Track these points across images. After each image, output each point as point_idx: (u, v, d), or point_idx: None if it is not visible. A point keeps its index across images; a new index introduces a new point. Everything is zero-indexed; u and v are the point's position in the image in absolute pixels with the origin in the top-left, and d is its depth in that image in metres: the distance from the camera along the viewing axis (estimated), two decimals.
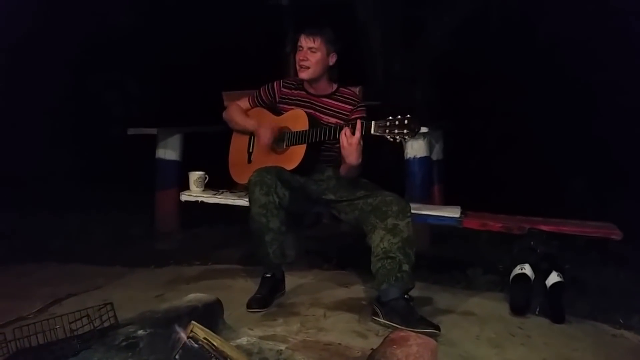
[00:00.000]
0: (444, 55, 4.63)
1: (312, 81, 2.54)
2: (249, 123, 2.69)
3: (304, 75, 2.51)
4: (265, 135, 2.56)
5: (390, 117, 2.12)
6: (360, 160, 2.24)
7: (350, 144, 2.20)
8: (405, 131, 2.09)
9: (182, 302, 1.94)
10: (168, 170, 3.72)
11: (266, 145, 2.57)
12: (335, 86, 2.58)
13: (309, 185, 2.51)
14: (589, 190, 4.17)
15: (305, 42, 2.49)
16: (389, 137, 2.12)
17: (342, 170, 2.41)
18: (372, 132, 2.17)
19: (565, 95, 4.70)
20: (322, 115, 2.54)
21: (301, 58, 2.49)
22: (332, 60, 2.52)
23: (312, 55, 2.47)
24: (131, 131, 3.67)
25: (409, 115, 2.09)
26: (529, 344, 2.08)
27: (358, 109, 2.53)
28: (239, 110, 2.74)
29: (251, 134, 2.73)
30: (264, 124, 2.59)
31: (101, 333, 1.64)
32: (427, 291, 2.61)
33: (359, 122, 2.20)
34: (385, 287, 2.21)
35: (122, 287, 2.74)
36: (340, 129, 2.27)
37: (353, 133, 2.19)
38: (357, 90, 2.69)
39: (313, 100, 2.57)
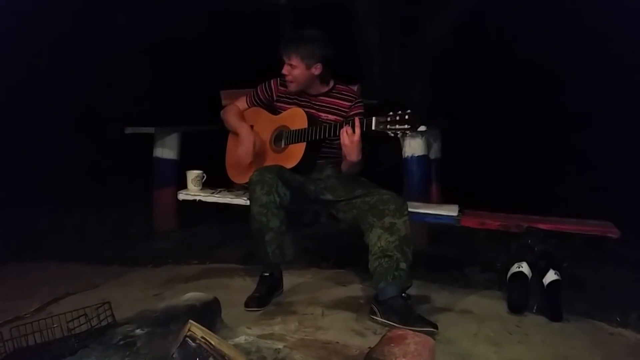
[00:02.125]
0: (441, 54, 4.63)
1: (302, 90, 2.54)
2: (238, 126, 2.65)
3: (291, 88, 2.52)
4: (246, 144, 2.55)
5: (391, 113, 2.12)
6: (360, 156, 2.24)
7: (351, 142, 2.20)
8: (406, 126, 2.09)
9: (180, 301, 1.94)
10: (166, 169, 3.71)
11: (243, 157, 2.56)
12: (331, 84, 2.57)
13: (307, 184, 2.51)
14: (587, 188, 4.18)
15: (283, 57, 2.48)
16: (390, 132, 2.12)
17: (344, 167, 2.42)
18: (372, 128, 2.17)
19: (564, 93, 4.71)
20: (320, 113, 2.53)
21: (284, 72, 2.49)
22: (317, 71, 2.47)
23: (292, 70, 2.47)
24: (129, 130, 3.66)
25: (409, 111, 2.09)
26: (526, 342, 2.09)
27: (356, 105, 2.53)
28: (234, 112, 2.72)
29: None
30: (249, 135, 2.57)
31: (99, 332, 1.65)
32: (424, 290, 2.62)
33: (357, 120, 2.20)
34: (383, 285, 2.21)
35: (120, 286, 2.73)
36: (340, 127, 2.27)
37: (354, 131, 2.19)
38: (355, 88, 2.69)
39: (311, 99, 2.57)
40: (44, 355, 1.54)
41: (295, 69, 2.45)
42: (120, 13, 5.38)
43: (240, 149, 2.57)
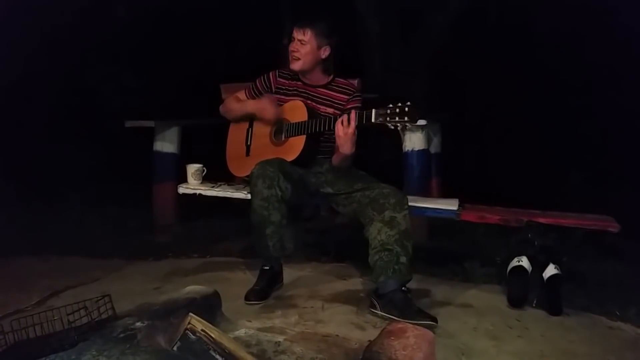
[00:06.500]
0: (442, 48, 4.61)
1: (304, 72, 2.54)
2: (248, 105, 2.68)
3: (294, 66, 2.52)
4: (269, 108, 2.55)
5: (391, 105, 2.12)
6: (353, 150, 2.26)
7: (345, 133, 2.21)
8: (405, 118, 2.09)
9: (180, 294, 1.94)
10: (166, 163, 3.70)
11: (273, 118, 2.55)
12: (331, 77, 2.58)
13: (307, 177, 2.51)
14: (587, 183, 4.17)
15: (296, 33, 2.49)
16: (389, 125, 2.12)
17: (335, 159, 2.44)
18: (372, 120, 2.17)
19: (564, 87, 4.69)
20: (318, 105, 2.53)
21: (292, 49, 2.50)
22: (325, 53, 2.50)
23: (302, 47, 2.47)
24: (129, 124, 3.66)
25: (409, 103, 2.09)
26: (526, 336, 2.09)
27: (354, 98, 2.53)
28: (236, 100, 2.74)
29: (249, 127, 2.72)
30: (261, 100, 2.60)
31: (99, 325, 1.64)
32: (424, 283, 2.62)
33: (353, 112, 2.22)
34: (383, 279, 2.22)
35: (120, 279, 2.74)
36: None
37: (349, 123, 2.20)
38: (355, 82, 2.69)
39: (309, 90, 2.57)
40: (45, 348, 1.53)
41: (306, 46, 2.46)
42: (119, 6, 5.36)
43: (266, 113, 2.56)
